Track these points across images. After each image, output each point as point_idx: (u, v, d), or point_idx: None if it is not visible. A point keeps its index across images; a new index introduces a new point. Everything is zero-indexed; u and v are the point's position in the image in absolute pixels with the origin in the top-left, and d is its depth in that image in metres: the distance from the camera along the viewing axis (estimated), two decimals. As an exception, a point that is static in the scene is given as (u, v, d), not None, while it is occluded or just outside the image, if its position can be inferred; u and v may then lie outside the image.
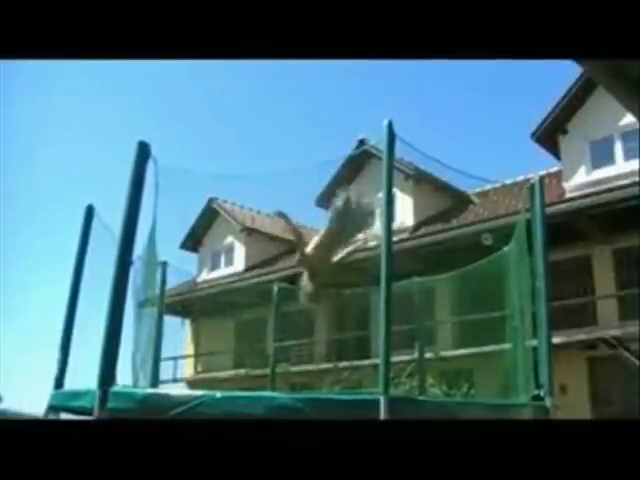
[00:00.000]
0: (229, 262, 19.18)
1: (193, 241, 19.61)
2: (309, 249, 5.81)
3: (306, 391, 10.97)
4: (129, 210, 4.92)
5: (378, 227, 5.54)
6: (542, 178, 6.49)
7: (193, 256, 19.76)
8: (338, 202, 5.85)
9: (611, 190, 11.61)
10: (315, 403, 4.39)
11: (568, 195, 12.55)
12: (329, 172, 14.56)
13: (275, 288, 11.29)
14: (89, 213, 6.17)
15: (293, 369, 14.38)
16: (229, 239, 19.28)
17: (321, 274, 5.82)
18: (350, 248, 5.92)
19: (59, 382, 5.57)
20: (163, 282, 8.40)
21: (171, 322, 16.41)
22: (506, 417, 5.01)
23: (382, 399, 4.08)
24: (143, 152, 5.06)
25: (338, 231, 5.76)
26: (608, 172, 12.33)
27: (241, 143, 34.99)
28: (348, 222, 5.74)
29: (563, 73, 13.54)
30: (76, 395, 5.05)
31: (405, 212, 15.03)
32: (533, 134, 13.35)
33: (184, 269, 14.89)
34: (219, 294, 17.99)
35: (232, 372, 16.95)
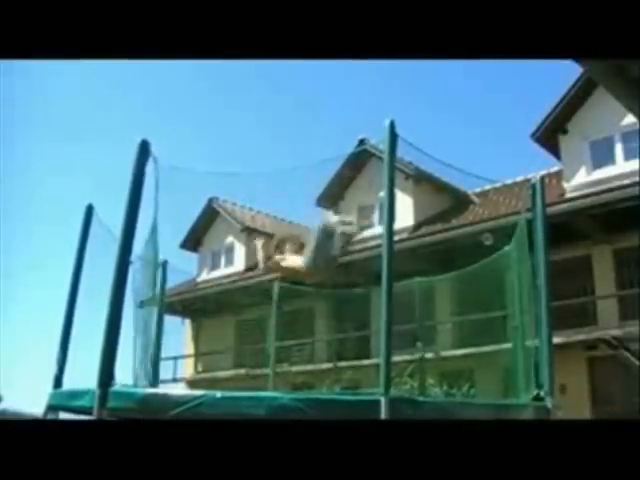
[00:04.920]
0: (229, 262, 19.17)
1: (193, 241, 19.60)
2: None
3: (307, 391, 10.96)
4: (129, 209, 4.90)
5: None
6: (542, 178, 6.48)
7: (193, 256, 19.76)
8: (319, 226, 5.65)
9: (611, 190, 11.62)
10: (315, 403, 4.38)
11: (568, 195, 12.55)
12: (329, 172, 14.61)
13: (275, 287, 11.29)
14: (89, 212, 6.17)
15: (294, 369, 14.38)
16: (229, 239, 19.27)
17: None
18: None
19: (58, 381, 5.56)
20: (163, 281, 8.39)
21: (171, 322, 16.44)
22: (506, 417, 5.00)
23: (383, 399, 4.07)
24: (144, 151, 5.04)
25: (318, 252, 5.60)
26: (608, 172, 12.33)
27: (241, 143, 35.00)
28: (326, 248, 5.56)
29: (563, 73, 13.56)
30: (75, 394, 5.02)
31: (405, 212, 15.03)
32: (533, 134, 13.34)
33: (184, 269, 14.87)
34: (219, 293, 18.01)
35: (232, 372, 16.95)
